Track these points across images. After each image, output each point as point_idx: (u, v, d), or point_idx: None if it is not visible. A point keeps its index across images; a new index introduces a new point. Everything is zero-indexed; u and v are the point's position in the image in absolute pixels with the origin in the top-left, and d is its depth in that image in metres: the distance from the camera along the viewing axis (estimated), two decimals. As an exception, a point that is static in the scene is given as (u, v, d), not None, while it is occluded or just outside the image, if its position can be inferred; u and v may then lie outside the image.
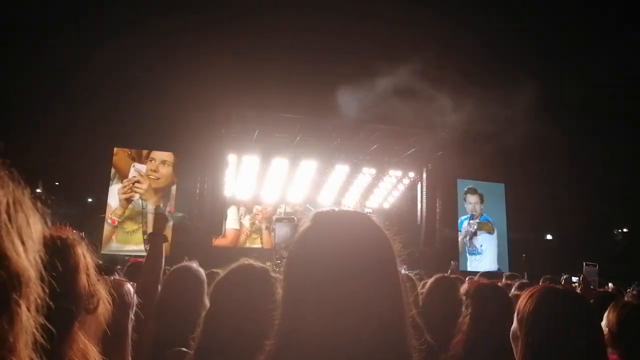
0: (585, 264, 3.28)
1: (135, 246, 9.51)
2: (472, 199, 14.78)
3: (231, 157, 14.45)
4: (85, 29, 10.63)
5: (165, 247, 2.87)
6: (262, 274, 1.73)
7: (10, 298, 0.60)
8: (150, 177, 9.28)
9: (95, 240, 11.24)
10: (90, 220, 12.51)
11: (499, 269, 13.55)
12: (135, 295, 1.90)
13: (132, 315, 1.88)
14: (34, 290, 0.65)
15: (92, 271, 1.12)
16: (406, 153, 15.37)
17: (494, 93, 13.18)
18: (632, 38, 12.00)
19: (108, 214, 9.40)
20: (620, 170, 14.16)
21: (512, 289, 3.63)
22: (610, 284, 6.76)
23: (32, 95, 10.46)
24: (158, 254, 2.82)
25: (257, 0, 11.95)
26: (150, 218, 9.39)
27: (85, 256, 1.10)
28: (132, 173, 9.18)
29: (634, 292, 3.44)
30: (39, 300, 0.67)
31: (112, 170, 9.64)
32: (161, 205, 10.72)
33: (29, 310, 0.64)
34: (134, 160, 9.39)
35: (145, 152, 9.57)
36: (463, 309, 2.37)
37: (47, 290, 0.72)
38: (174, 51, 11.44)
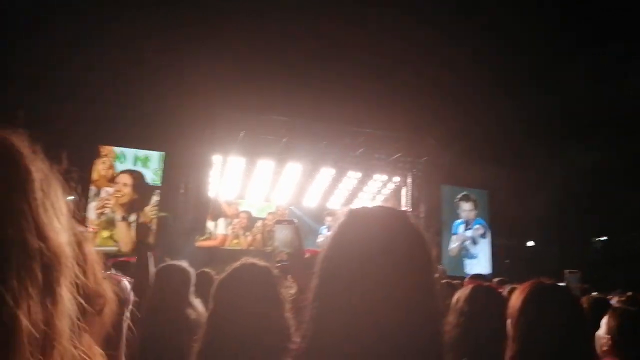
0: (568, 272, 3.30)
1: (110, 248, 11.65)
2: (467, 206, 14.91)
3: (216, 158, 14.35)
4: (71, 24, 10.45)
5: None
6: (265, 273, 1.71)
7: (54, 278, 0.58)
8: (116, 195, 12.10)
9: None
10: (74, 218, 12.32)
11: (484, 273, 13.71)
12: (131, 293, 1.85)
13: (127, 313, 1.84)
14: (71, 269, 0.63)
15: (99, 269, 1.06)
16: (392, 157, 15.43)
17: (481, 99, 13.36)
18: (608, 49, 12.27)
19: (89, 224, 11.66)
20: (600, 179, 14.44)
21: (503, 292, 3.65)
22: (596, 292, 6.86)
23: (13, 89, 10.24)
24: (143, 263, 2.78)
25: (246, 3, 11.89)
26: (118, 225, 11.92)
27: (91, 253, 1.04)
28: (102, 194, 12.07)
29: (622, 299, 3.48)
30: (75, 280, 0.65)
31: (93, 189, 12.05)
32: (166, 214, 12.38)
33: (68, 290, 0.62)
34: (107, 183, 12.20)
35: (111, 175, 12.23)
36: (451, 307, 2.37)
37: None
38: (160, 51, 11.33)
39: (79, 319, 0.95)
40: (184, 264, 2.78)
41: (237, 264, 1.79)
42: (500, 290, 3.93)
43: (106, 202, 12.00)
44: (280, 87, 12.45)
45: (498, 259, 14.75)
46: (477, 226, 14.84)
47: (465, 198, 14.94)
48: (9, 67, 10.05)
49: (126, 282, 1.89)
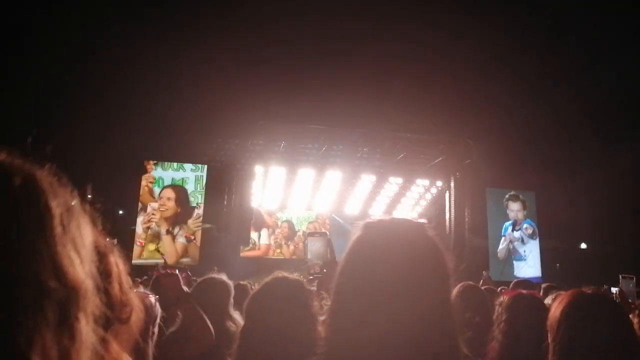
0: (622, 277, 3.14)
1: (156, 260, 12.23)
2: (515, 206, 14.52)
3: (258, 169, 14.59)
4: (116, 40, 10.88)
5: (194, 258, 2.86)
6: (297, 287, 1.72)
7: (71, 313, 0.59)
8: (161, 209, 12.79)
9: (127, 251, 11.64)
10: (123, 231, 12.80)
11: (535, 276, 13.27)
12: (158, 308, 1.91)
13: (154, 329, 1.87)
14: (92, 301, 0.64)
15: (125, 279, 1.10)
16: (433, 162, 15.20)
17: (523, 100, 12.96)
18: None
19: (136, 239, 12.42)
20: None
21: (547, 300, 3.52)
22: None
23: (62, 106, 10.77)
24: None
25: (281, 11, 12.03)
26: (164, 239, 12.65)
27: (117, 264, 1.09)
28: (148, 209, 12.78)
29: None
30: (97, 312, 0.65)
31: (139, 205, 12.79)
32: (210, 225, 12.89)
33: (88, 323, 0.62)
34: (151, 198, 12.95)
35: (157, 192, 12.95)
36: (494, 317, 2.30)
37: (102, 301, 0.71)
38: (199, 65, 11.61)
39: (105, 330, 0.99)
40: (223, 276, 2.83)
41: (268, 278, 1.81)
42: (545, 297, 3.79)
43: (152, 216, 12.60)
44: (318, 96, 12.51)
45: (549, 262, 14.20)
46: (525, 226, 14.39)
47: (514, 198, 14.53)
48: (57, 88, 10.58)
49: (152, 299, 1.92)
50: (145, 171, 12.72)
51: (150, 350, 1.82)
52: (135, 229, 12.17)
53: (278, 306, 1.62)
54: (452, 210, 15.03)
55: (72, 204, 0.68)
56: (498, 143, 13.45)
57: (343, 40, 12.41)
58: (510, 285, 5.36)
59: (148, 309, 1.82)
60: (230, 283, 2.77)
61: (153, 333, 1.87)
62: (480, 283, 5.75)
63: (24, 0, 9.99)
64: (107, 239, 1.12)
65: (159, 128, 12.26)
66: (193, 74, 11.69)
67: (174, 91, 11.90)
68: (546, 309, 2.45)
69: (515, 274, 13.39)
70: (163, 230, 12.55)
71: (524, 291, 2.59)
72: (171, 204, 12.76)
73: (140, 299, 1.79)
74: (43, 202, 0.61)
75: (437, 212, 16.17)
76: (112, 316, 1.03)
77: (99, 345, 0.68)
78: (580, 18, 12.18)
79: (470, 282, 3.01)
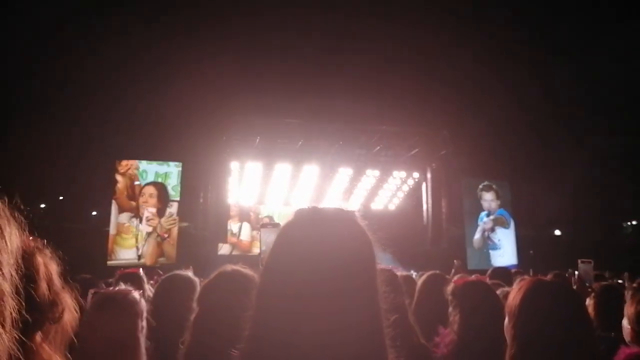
0: (581, 261, 3.21)
1: (129, 249, 12.09)
2: (488, 196, 14.68)
3: (234, 165, 14.47)
4: (84, 34, 10.64)
5: (170, 257, 2.84)
6: (245, 279, 1.72)
7: None
8: (142, 206, 12.46)
9: (103, 252, 11.36)
10: (97, 233, 12.60)
11: (512, 264, 13.51)
12: (143, 303, 1.91)
13: (142, 324, 1.88)
14: (9, 305, 0.62)
15: (56, 279, 1.07)
16: (409, 153, 15.31)
17: (495, 91, 13.13)
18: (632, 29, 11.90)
19: (118, 239, 12.14)
20: (626, 163, 14.03)
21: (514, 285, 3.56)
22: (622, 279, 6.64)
23: (28, 105, 10.50)
24: None
25: (257, 5, 11.92)
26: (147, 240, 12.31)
27: (47, 265, 1.06)
28: (146, 214, 12.42)
29: (634, 285, 3.37)
30: (14, 315, 0.64)
31: (115, 205, 12.36)
32: (187, 224, 12.68)
33: (3, 326, 0.60)
34: (131, 199, 12.55)
35: (137, 188, 12.54)
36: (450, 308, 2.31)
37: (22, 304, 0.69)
38: (173, 59, 11.44)
39: (34, 331, 0.96)
40: (189, 273, 2.80)
41: (219, 269, 1.82)
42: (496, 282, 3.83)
43: (151, 221, 12.45)
44: (293, 90, 12.45)
45: (524, 250, 14.46)
46: (498, 215, 14.60)
47: (487, 188, 14.70)
48: (25, 89, 10.32)
49: (135, 294, 1.93)
50: (119, 172, 12.49)
51: (143, 344, 1.83)
52: (109, 230, 11.91)
53: (226, 297, 1.62)
54: (429, 201, 15.18)
55: None
56: (473, 134, 13.61)
57: (319, 34, 12.39)
58: (488, 273, 5.42)
59: (133, 305, 1.86)
60: (196, 279, 2.73)
61: (142, 327, 1.89)
62: (452, 272, 5.80)
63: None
64: (38, 240, 1.09)
65: (131, 126, 12.05)
66: (166, 69, 11.52)
67: (145, 87, 11.71)
68: (494, 294, 2.47)
69: (492, 262, 13.59)
70: (145, 229, 12.32)
71: (472, 277, 2.63)
72: (153, 201, 12.59)
73: (123, 296, 1.80)
74: None
75: (415, 204, 16.32)
76: (40, 317, 1.00)
77: (15, 348, 0.66)
78: (549, 11, 12.40)
79: (436, 272, 3.02)
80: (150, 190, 12.66)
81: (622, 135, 13.01)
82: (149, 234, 12.30)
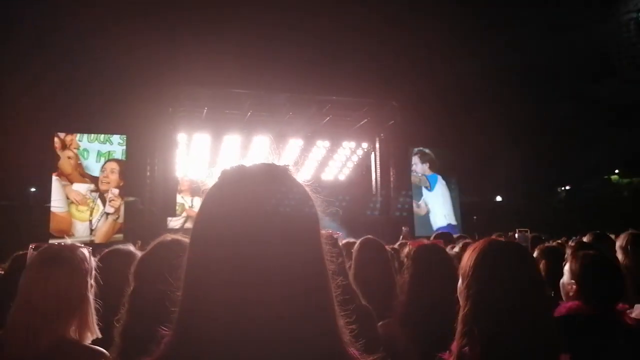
0: (518, 230, 3.38)
1: (82, 222, 11.83)
2: (416, 159, 15.07)
3: (181, 137, 14.11)
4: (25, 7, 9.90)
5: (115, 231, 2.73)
6: (184, 249, 1.69)
7: None
8: (103, 182, 12.23)
9: (43, 230, 10.89)
10: (36, 210, 12.03)
11: (449, 224, 14.08)
12: (92, 259, 1.83)
13: (91, 281, 1.80)
14: None
15: None
16: (359, 124, 15.43)
17: (443, 61, 13.35)
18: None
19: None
20: (562, 131, 14.76)
21: (455, 248, 3.73)
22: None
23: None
24: None
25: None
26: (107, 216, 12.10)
27: None
28: (109, 195, 12.21)
29: (572, 244, 3.61)
30: None
31: (62, 180, 11.88)
32: (134, 199, 12.34)
33: None
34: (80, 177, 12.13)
35: (85, 165, 12.20)
36: (394, 269, 2.39)
37: None
38: (115, 26, 10.83)
39: None
40: (130, 247, 2.74)
41: (157, 240, 1.77)
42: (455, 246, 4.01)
43: (113, 202, 12.17)
44: (241, 60, 12.15)
45: (466, 215, 15.07)
46: (422, 177, 15.02)
47: (419, 153, 15.04)
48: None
49: (85, 251, 1.85)
50: (63, 147, 11.88)
51: (92, 302, 1.77)
52: (50, 206, 11.39)
53: (165, 267, 1.59)
54: (378, 171, 15.45)
55: None
56: (421, 104, 13.83)
57: (269, 2, 12.07)
58: (431, 237, 5.58)
59: (82, 262, 1.78)
60: (137, 253, 2.68)
61: (92, 285, 1.82)
62: (400, 239, 5.98)
63: None
64: None
65: (70, 96, 11.41)
66: (107, 37, 10.88)
67: (85, 55, 11.08)
68: (449, 256, 2.58)
69: (433, 227, 14.08)
70: (98, 198, 12.05)
71: (426, 241, 2.71)
72: (114, 177, 12.27)
73: (71, 252, 1.73)
74: None
75: (364, 173, 16.56)
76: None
77: None
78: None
79: (370, 236, 3.06)
80: (112, 165, 12.37)
81: (559, 102, 13.61)
82: (108, 214, 11.99)
